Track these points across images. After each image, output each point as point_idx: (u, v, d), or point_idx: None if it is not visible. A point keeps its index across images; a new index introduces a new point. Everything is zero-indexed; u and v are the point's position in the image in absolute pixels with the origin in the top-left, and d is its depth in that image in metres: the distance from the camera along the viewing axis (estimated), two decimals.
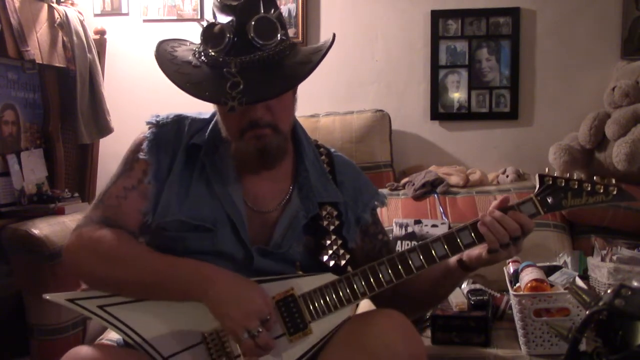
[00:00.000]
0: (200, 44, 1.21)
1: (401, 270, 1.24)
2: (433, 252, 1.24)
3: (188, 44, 1.31)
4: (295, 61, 1.21)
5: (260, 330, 1.12)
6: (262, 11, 1.19)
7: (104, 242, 1.21)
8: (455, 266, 1.30)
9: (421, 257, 1.24)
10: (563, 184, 1.26)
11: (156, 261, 1.20)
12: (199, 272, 1.18)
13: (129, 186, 1.27)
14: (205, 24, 1.21)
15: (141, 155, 1.28)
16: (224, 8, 1.20)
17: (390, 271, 1.23)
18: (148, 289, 1.20)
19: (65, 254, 1.26)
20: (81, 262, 1.24)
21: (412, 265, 1.24)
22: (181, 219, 1.26)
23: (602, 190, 1.26)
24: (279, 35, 1.18)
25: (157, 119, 1.34)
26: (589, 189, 1.26)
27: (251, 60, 1.16)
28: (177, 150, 1.30)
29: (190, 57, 1.23)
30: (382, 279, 1.23)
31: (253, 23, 1.16)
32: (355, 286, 1.22)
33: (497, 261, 1.26)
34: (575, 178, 1.27)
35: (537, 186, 1.28)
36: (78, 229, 1.26)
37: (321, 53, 1.20)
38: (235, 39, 1.17)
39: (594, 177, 1.28)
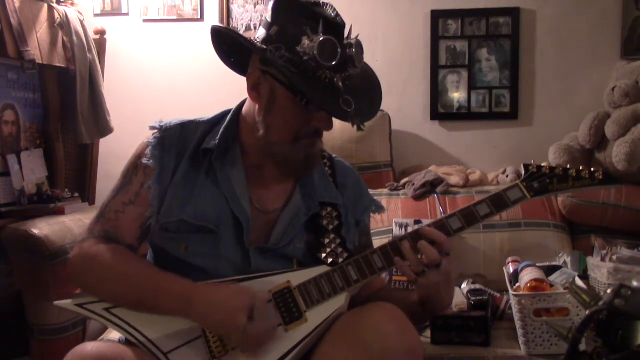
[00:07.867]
0: (311, 53, 1.18)
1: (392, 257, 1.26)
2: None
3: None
4: (366, 74, 1.31)
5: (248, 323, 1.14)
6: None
7: (99, 260, 1.25)
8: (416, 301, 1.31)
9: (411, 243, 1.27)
10: (548, 171, 1.31)
11: (141, 285, 1.22)
12: (178, 295, 1.20)
13: (127, 201, 1.31)
14: (311, 33, 1.19)
15: (144, 160, 1.31)
16: (330, 24, 1.21)
17: (382, 259, 1.27)
18: (137, 308, 1.23)
19: (68, 267, 1.31)
20: (79, 277, 1.29)
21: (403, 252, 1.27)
22: (184, 219, 1.28)
23: (587, 176, 1.30)
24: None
25: (161, 124, 1.36)
26: (574, 174, 1.31)
27: (349, 77, 1.22)
28: (183, 154, 1.32)
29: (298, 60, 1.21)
30: (374, 266, 1.26)
31: (355, 43, 1.23)
32: (348, 274, 1.25)
33: (429, 289, 1.24)
34: (560, 166, 1.32)
35: (523, 173, 1.33)
36: (80, 242, 1.31)
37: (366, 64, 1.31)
38: (341, 57, 1.21)
39: (580, 167, 1.32)
